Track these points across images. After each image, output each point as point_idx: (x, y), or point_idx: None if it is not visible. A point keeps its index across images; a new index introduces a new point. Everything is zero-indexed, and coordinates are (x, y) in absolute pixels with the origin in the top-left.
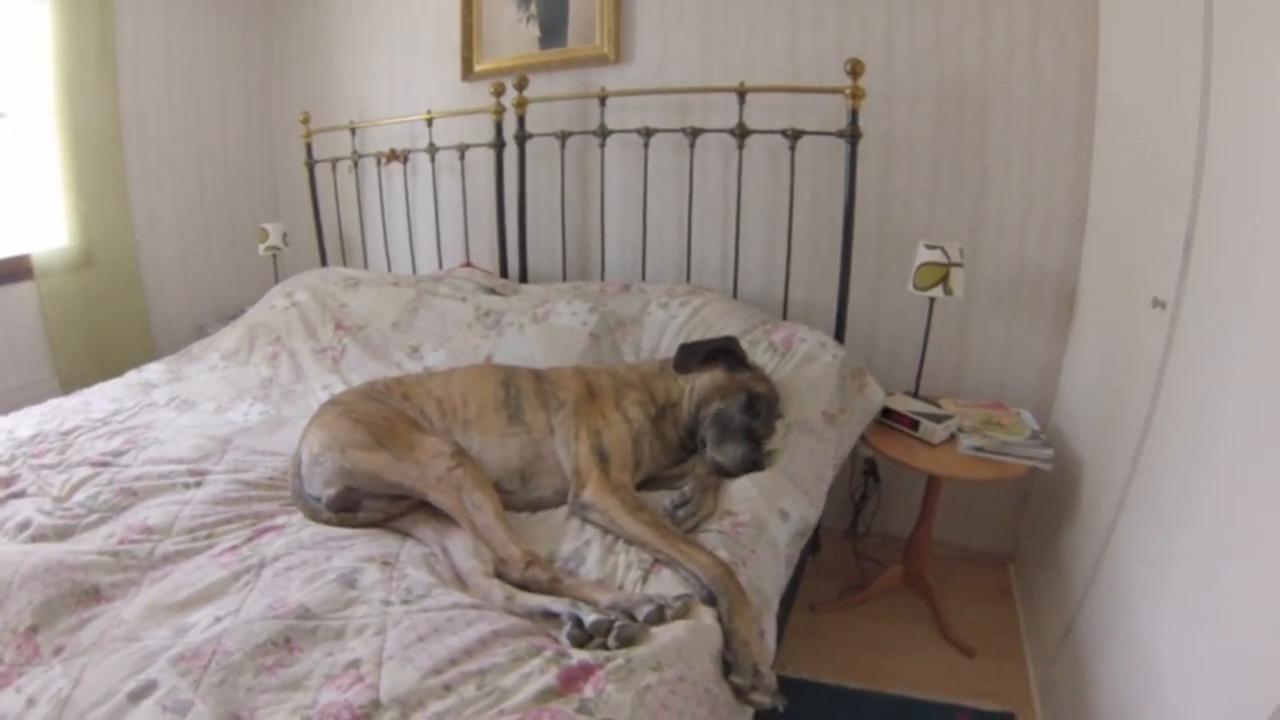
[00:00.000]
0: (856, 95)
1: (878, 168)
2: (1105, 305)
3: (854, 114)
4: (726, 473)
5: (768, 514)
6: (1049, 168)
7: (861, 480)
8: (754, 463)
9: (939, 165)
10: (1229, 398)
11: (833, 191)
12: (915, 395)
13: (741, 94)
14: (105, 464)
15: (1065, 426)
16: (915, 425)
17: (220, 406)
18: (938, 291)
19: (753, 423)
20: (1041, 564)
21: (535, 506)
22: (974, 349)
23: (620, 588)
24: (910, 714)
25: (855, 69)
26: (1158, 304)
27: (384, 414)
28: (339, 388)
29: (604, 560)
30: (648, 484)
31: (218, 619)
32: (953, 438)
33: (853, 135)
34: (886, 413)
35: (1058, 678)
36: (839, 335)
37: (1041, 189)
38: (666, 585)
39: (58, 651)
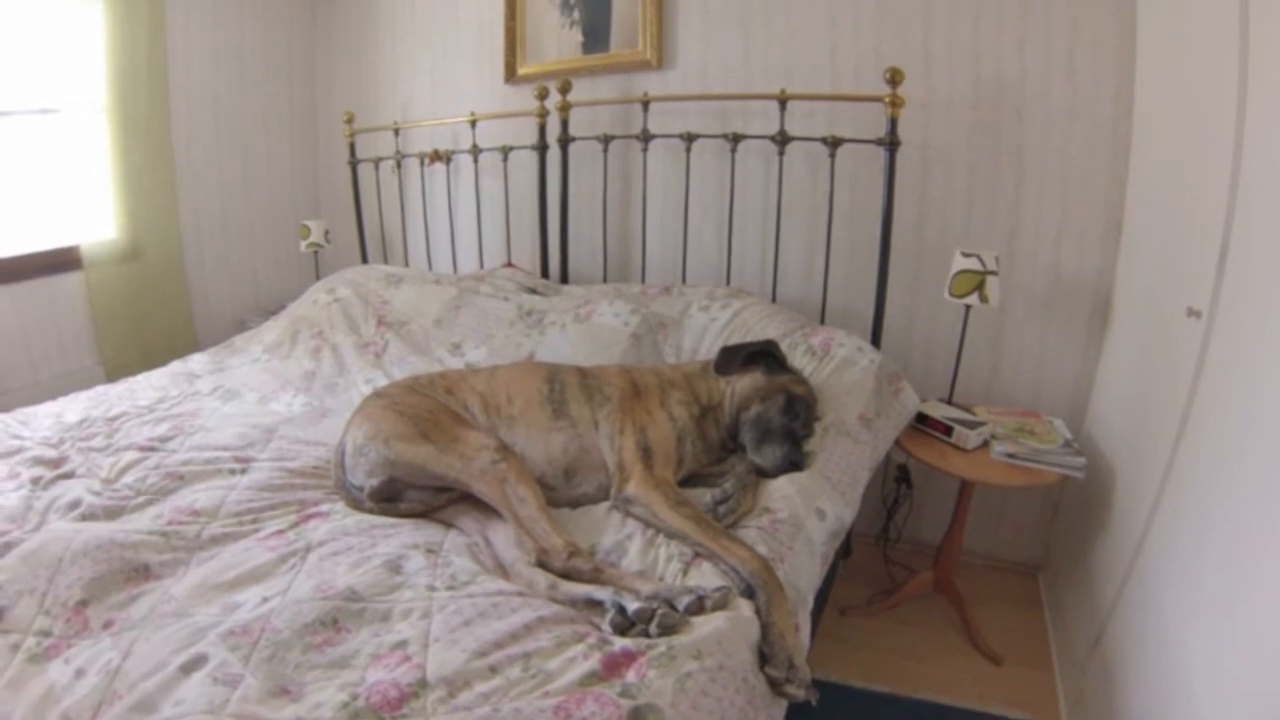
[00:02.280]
0: (896, 104)
1: (915, 175)
2: (1140, 314)
3: (893, 122)
4: (766, 474)
5: (805, 512)
6: (1085, 176)
7: (894, 486)
8: (793, 464)
9: (975, 173)
10: (1262, 409)
11: (870, 198)
12: (949, 401)
13: (783, 102)
14: (152, 449)
15: (1098, 435)
16: (949, 431)
17: (263, 397)
18: (973, 299)
19: (792, 424)
20: (1071, 573)
21: (578, 502)
22: (1008, 356)
23: (661, 579)
24: None
25: (895, 78)
26: (1192, 313)
27: (428, 407)
28: (381, 381)
29: (645, 553)
30: (688, 481)
31: (265, 599)
32: (986, 444)
33: (892, 143)
34: (921, 418)
35: (1086, 688)
36: (875, 340)
37: (1077, 197)
38: (706, 578)
39: (107, 625)
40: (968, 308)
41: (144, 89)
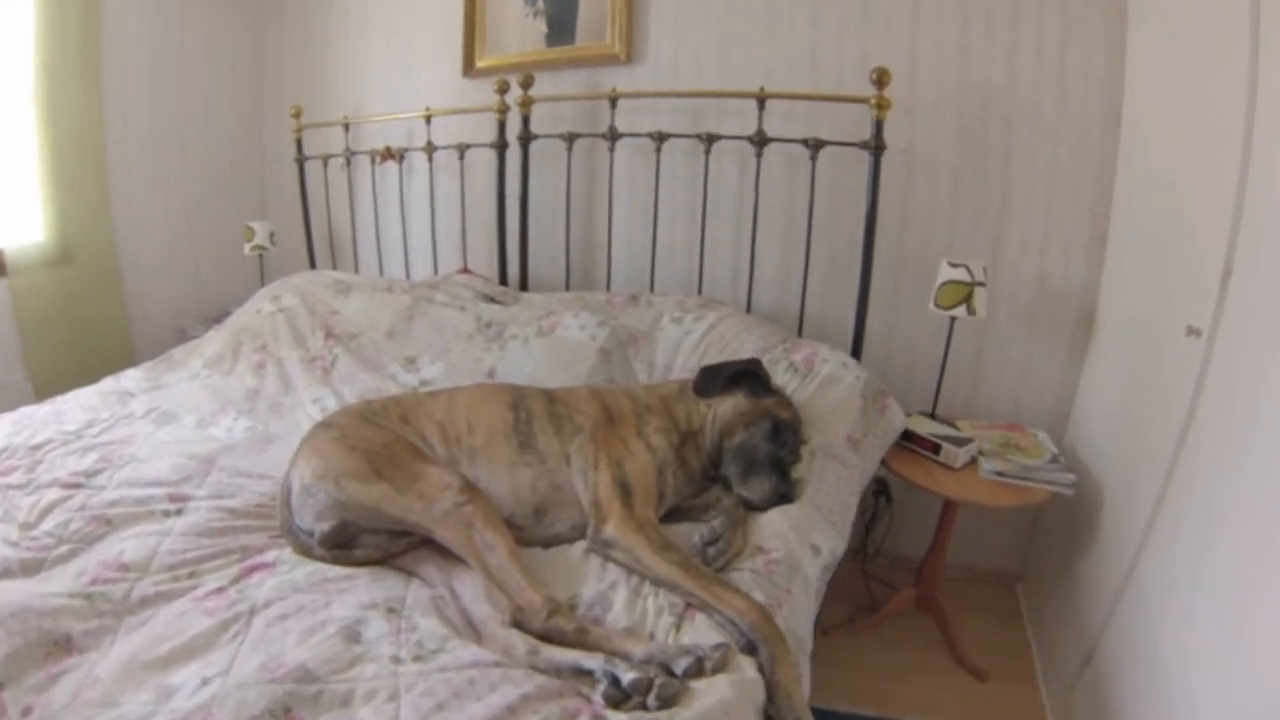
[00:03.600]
0: (882, 106)
1: (898, 181)
2: (1131, 329)
3: (879, 125)
4: (754, 507)
5: (800, 550)
6: (1072, 186)
7: (872, 500)
8: (783, 496)
9: (960, 180)
10: (1265, 430)
11: (850, 203)
12: (933, 416)
13: (762, 100)
14: (78, 485)
15: (1082, 449)
16: (936, 449)
17: (202, 420)
18: (960, 311)
19: (779, 452)
20: (1054, 587)
21: (550, 543)
22: (990, 368)
23: (651, 636)
24: None
25: (881, 78)
26: (1192, 332)
27: (383, 440)
28: (330, 401)
29: (632, 605)
30: (669, 515)
31: (205, 680)
32: (973, 461)
33: (877, 147)
34: (905, 435)
35: (1076, 705)
36: (856, 353)
37: (1063, 208)
38: (701, 632)
39: (26, 713)
40: (953, 320)
41: (75, 79)
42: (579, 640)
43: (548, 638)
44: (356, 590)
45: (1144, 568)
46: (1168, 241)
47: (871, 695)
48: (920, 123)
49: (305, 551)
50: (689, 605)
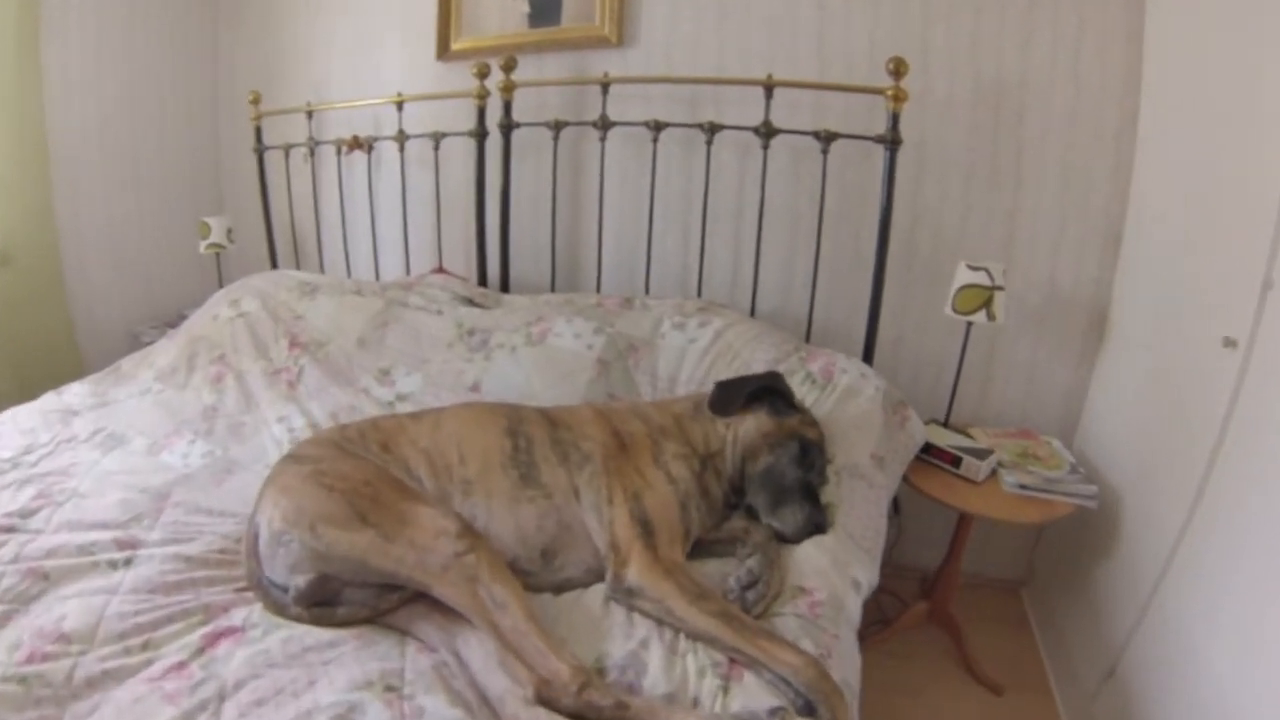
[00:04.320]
0: (899, 98)
1: (908, 177)
2: (1153, 336)
3: (895, 118)
4: (785, 539)
5: (843, 588)
6: (1086, 185)
7: None
8: (816, 526)
9: (972, 177)
10: None
11: (858, 200)
12: (945, 425)
13: (769, 89)
14: (11, 529)
15: (1095, 456)
16: (956, 462)
17: (154, 444)
18: (979, 317)
19: (808, 476)
20: (1066, 595)
21: (561, 588)
22: (999, 373)
23: (696, 702)
24: None
25: (898, 68)
26: (1229, 343)
27: (364, 475)
28: (297, 420)
29: (669, 665)
30: (691, 552)
31: None
32: (993, 473)
33: (893, 141)
34: (924, 447)
35: (1099, 717)
36: (867, 360)
37: (1077, 207)
38: (752, 694)
39: None
40: (969, 325)
41: (11, 67)
42: (618, 717)
43: (581, 716)
44: (344, 662)
45: (1173, 581)
46: (1196, 247)
47: (886, 713)
48: (932, 116)
49: (279, 610)
50: (733, 662)
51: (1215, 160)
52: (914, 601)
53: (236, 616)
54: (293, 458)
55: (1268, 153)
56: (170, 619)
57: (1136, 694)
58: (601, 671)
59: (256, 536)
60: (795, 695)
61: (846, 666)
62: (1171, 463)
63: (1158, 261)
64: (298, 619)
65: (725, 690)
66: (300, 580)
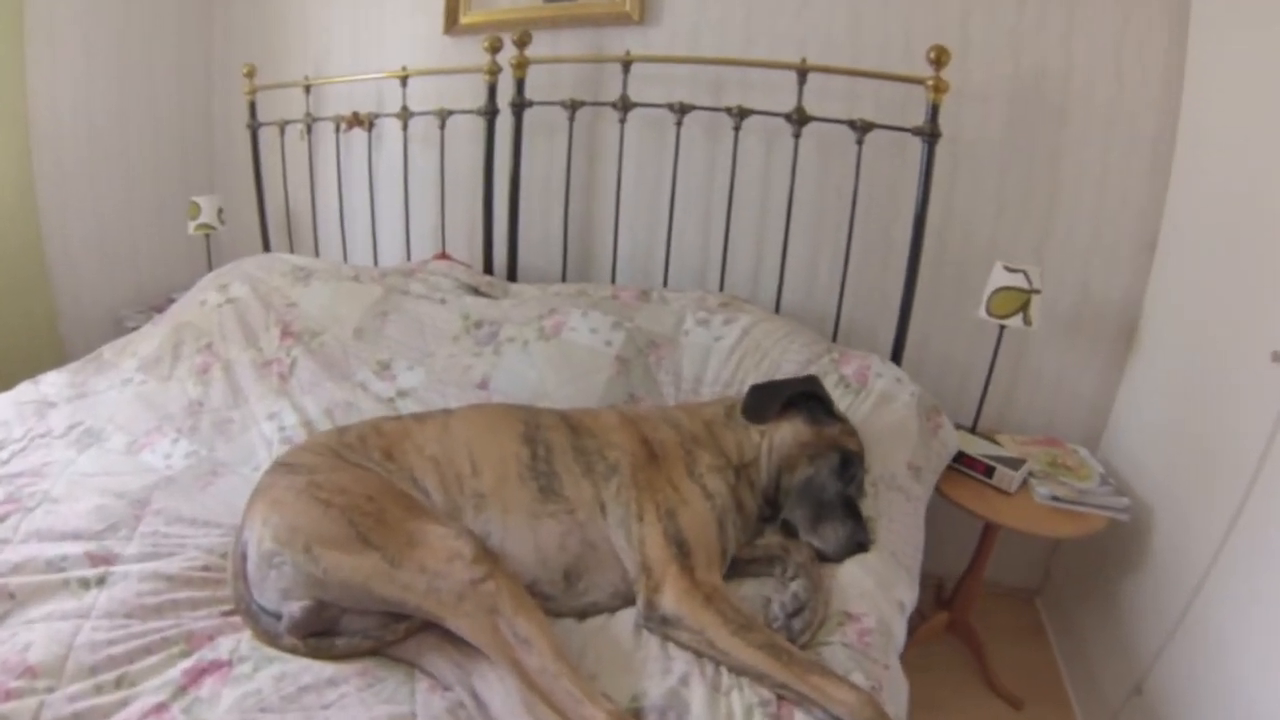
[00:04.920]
0: (939, 88)
1: (942, 172)
2: (1191, 346)
3: (934, 109)
4: (825, 558)
5: (891, 612)
6: (1122, 187)
7: None
8: (859, 544)
9: (1007, 175)
10: None
11: (888, 195)
12: (973, 431)
13: (802, 73)
14: None
15: (1123, 466)
16: (989, 471)
17: (134, 442)
18: (1015, 321)
19: (848, 489)
20: (1086, 605)
21: (585, 613)
22: (1025, 378)
23: None
24: None
25: (940, 58)
26: (1278, 358)
27: (365, 489)
28: (289, 417)
29: (713, 705)
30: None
31: None
32: (1024, 484)
33: (931, 134)
34: (955, 456)
35: None
36: (895, 361)
37: (1112, 211)
38: None
39: None
40: (1002, 328)
41: None
42: None
43: None
44: (347, 705)
45: (1208, 597)
46: (1240, 256)
47: None
48: (969, 110)
49: (270, 639)
50: (782, 699)
51: (1262, 165)
52: (932, 612)
53: (223, 647)
54: (285, 465)
55: None
56: (148, 649)
57: (1164, 713)
58: (638, 714)
59: (244, 556)
60: None
61: (897, 699)
62: (1209, 476)
63: (1196, 270)
64: (292, 650)
65: None
66: (294, 607)
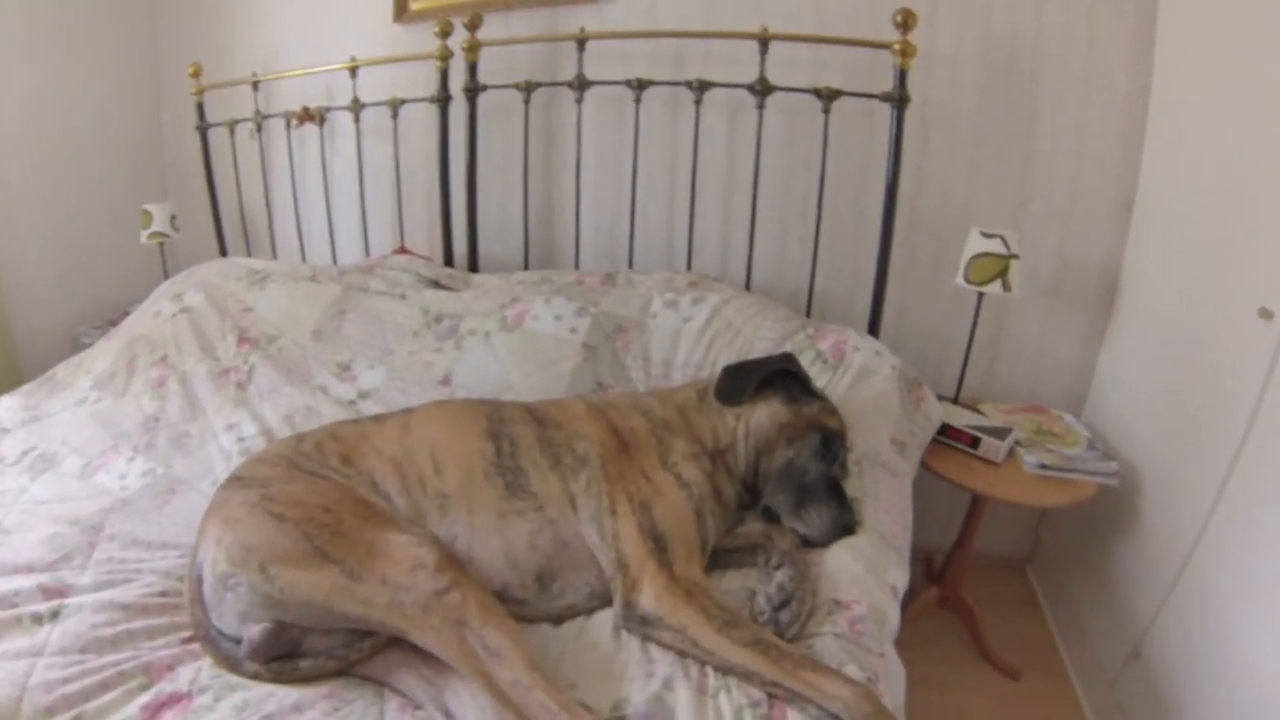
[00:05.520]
0: (907, 52)
1: (913, 140)
2: (1174, 306)
3: (902, 74)
4: (811, 543)
5: (883, 597)
6: (1098, 149)
7: None
8: (845, 527)
9: (980, 140)
10: None
11: (858, 165)
12: (956, 402)
13: (763, 42)
14: None
15: (1109, 431)
16: (975, 442)
17: (89, 464)
18: (994, 287)
19: (830, 470)
20: (1078, 573)
21: (561, 617)
22: (1007, 346)
23: None
24: None
25: (906, 20)
26: (1265, 314)
27: (322, 499)
28: (248, 427)
29: (699, 709)
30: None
31: None
32: (1011, 453)
33: (900, 100)
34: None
35: (1123, 700)
36: (872, 334)
37: (1089, 172)
38: None
39: None
40: (981, 296)
41: None
42: None
43: None
44: None
45: (1202, 558)
46: (1224, 214)
47: (912, 712)
48: (938, 75)
49: (231, 665)
50: (773, 698)
51: (1238, 120)
52: (922, 587)
53: (182, 678)
54: (238, 480)
55: None
56: (104, 685)
57: (1162, 675)
58: None
59: (200, 579)
60: None
61: (894, 688)
62: (1198, 436)
63: (1176, 228)
64: (254, 677)
65: None
66: (253, 631)
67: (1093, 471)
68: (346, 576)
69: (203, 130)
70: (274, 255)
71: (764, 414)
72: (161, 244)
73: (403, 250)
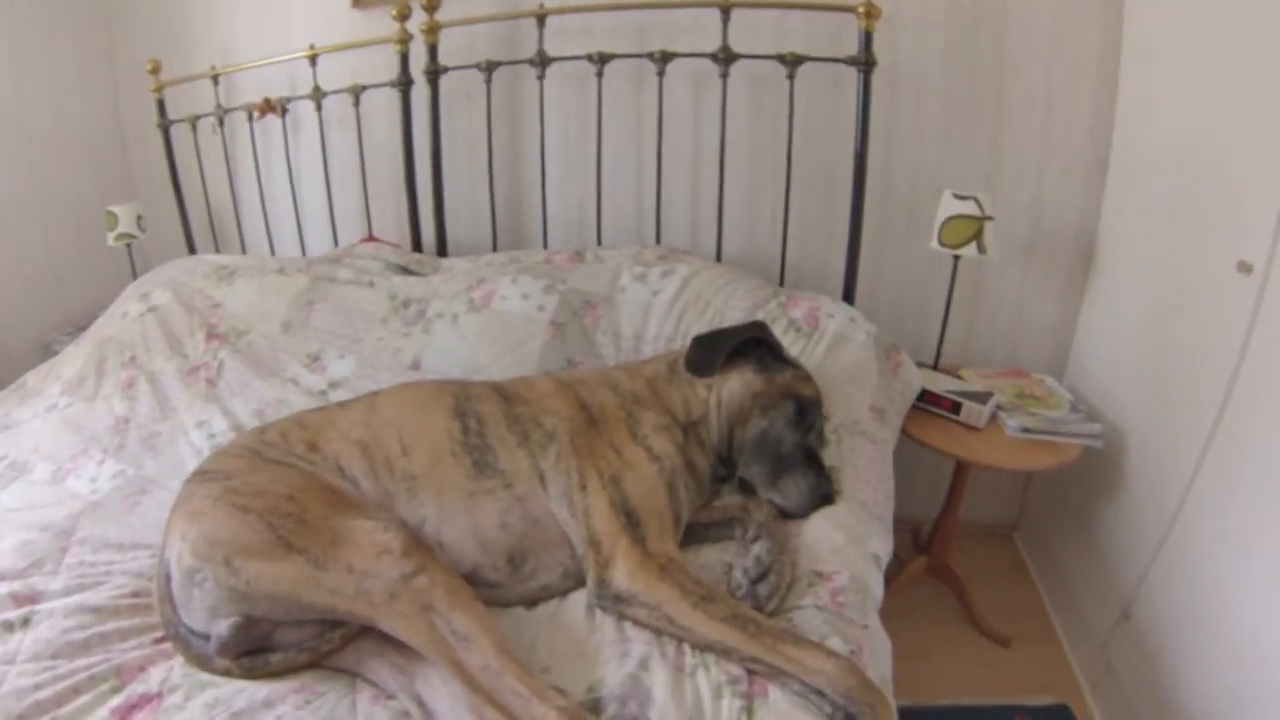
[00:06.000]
0: (871, 14)
1: (882, 104)
2: (1152, 264)
3: (868, 37)
4: (788, 515)
5: (865, 567)
6: (1070, 108)
7: None
8: (824, 497)
9: (950, 103)
10: None
11: (826, 132)
12: (935, 368)
13: (725, 9)
14: None
15: (1090, 391)
16: (956, 408)
17: (60, 470)
18: (969, 249)
19: (806, 439)
20: (1066, 537)
21: (535, 599)
22: (985, 309)
23: None
24: None
25: None
26: (1244, 268)
27: (285, 488)
28: (219, 423)
29: (677, 688)
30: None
31: None
32: (993, 417)
33: (866, 64)
34: (919, 394)
35: (1114, 662)
36: (847, 301)
37: (1061, 131)
38: (780, 713)
39: None
40: (956, 259)
41: None
42: None
43: None
44: None
45: (1188, 517)
46: (1199, 169)
47: (901, 682)
48: (905, 37)
49: (202, 663)
50: (753, 674)
51: (1210, 75)
52: (909, 557)
53: (153, 678)
54: (201, 474)
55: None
56: (76, 690)
57: (1152, 635)
58: (597, 706)
59: (168, 577)
60: (833, 710)
61: (880, 659)
62: (1181, 394)
63: (1152, 185)
64: (226, 673)
65: (749, 711)
66: (222, 626)
67: (1076, 434)
68: (312, 566)
69: (164, 128)
70: (243, 251)
71: (736, 383)
72: (129, 245)
73: (371, 239)
